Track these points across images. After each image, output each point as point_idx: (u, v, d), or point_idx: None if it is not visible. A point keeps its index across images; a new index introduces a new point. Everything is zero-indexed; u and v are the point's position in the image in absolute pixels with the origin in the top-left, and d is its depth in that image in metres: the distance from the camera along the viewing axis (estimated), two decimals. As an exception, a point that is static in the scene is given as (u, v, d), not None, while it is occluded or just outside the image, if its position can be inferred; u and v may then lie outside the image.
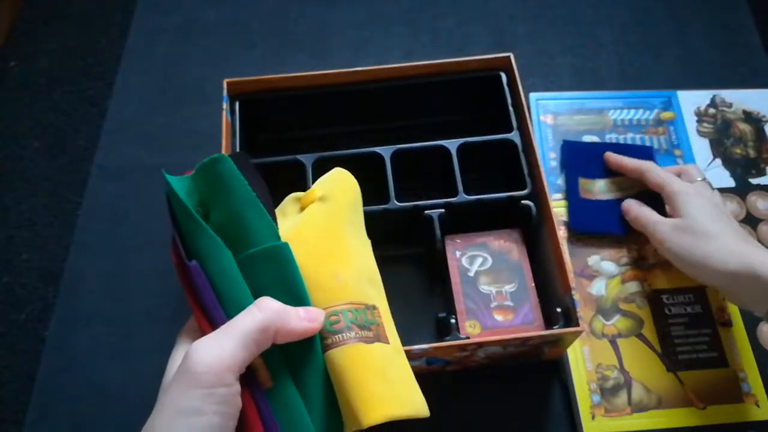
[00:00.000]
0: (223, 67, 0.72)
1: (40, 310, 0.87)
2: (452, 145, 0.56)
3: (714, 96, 0.68)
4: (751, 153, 0.65)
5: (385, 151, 0.56)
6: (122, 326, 0.58)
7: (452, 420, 0.53)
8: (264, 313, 0.35)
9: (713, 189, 0.56)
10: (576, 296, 0.48)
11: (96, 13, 1.18)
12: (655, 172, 0.57)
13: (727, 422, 0.52)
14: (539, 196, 0.53)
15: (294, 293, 0.38)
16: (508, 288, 0.53)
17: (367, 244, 0.44)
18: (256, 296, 0.37)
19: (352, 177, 0.46)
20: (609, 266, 0.58)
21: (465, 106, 0.63)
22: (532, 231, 0.55)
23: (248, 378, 0.35)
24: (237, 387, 0.33)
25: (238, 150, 0.56)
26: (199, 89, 0.70)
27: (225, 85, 0.58)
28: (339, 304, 0.38)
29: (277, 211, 0.44)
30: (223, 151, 0.56)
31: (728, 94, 0.68)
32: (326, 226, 0.42)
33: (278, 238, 0.39)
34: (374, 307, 0.40)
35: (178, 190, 0.40)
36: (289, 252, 0.39)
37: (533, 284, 0.54)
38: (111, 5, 1.18)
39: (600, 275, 0.58)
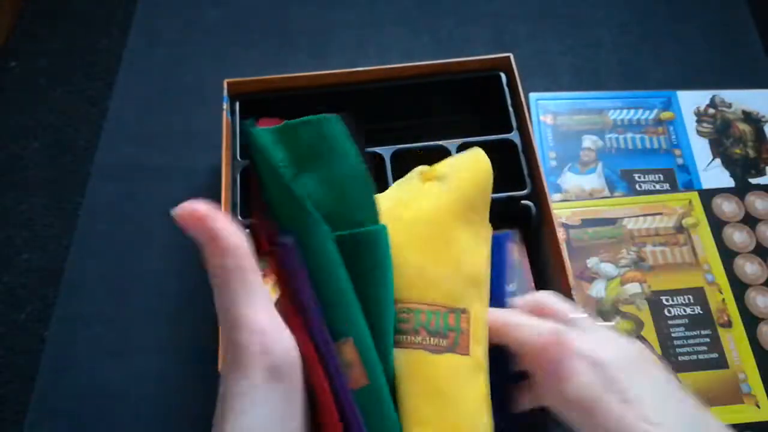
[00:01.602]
0: (223, 67, 0.72)
1: (40, 309, 0.87)
2: (452, 145, 0.56)
3: (714, 96, 0.68)
4: (751, 153, 0.65)
5: (385, 151, 0.56)
6: (122, 326, 0.58)
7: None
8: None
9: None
10: (575, 298, 0.48)
11: (96, 13, 1.18)
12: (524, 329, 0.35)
13: (727, 423, 0.52)
14: (539, 196, 0.53)
15: (384, 284, 0.33)
16: (508, 288, 0.53)
17: (481, 238, 0.37)
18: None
19: (487, 160, 0.38)
20: (608, 268, 0.58)
21: (465, 106, 0.63)
22: (532, 231, 0.55)
23: (336, 374, 0.30)
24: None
25: (238, 150, 0.56)
26: (199, 89, 0.70)
27: (225, 85, 0.58)
28: (415, 302, 0.33)
29: (400, 181, 0.39)
30: (223, 151, 0.56)
31: (728, 94, 0.68)
32: (432, 212, 0.36)
33: (377, 220, 0.34)
34: (463, 311, 0.34)
35: (267, 146, 0.33)
36: (387, 238, 0.33)
37: (533, 284, 0.54)
38: (111, 5, 1.18)
39: (599, 277, 0.58)
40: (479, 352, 0.34)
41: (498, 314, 0.35)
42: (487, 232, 0.38)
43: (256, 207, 0.33)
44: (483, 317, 0.35)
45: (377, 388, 0.31)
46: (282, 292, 0.32)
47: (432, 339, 0.33)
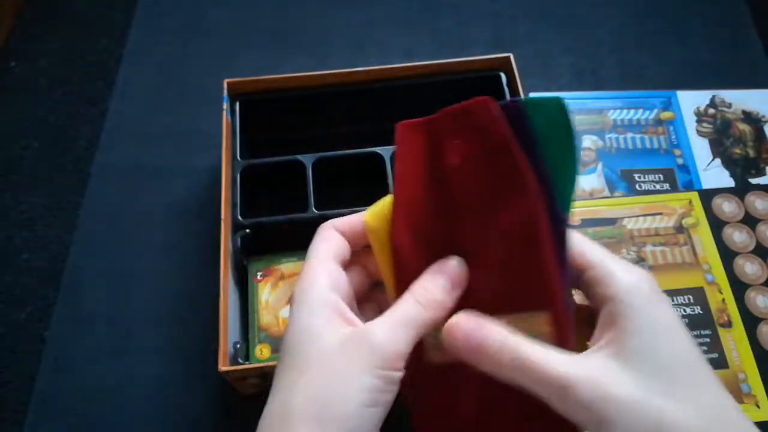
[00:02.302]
0: (223, 67, 0.72)
1: (41, 309, 0.87)
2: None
3: (713, 96, 0.68)
4: (751, 153, 0.65)
5: (385, 152, 0.56)
6: (122, 326, 0.58)
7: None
8: None
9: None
10: (576, 298, 0.48)
11: (96, 13, 1.18)
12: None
13: (726, 422, 0.52)
14: (539, 196, 0.53)
15: None
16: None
17: None
18: None
19: None
20: (609, 266, 0.58)
21: (465, 106, 0.63)
22: (532, 231, 0.55)
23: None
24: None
25: (238, 150, 0.56)
26: (199, 89, 0.70)
27: (225, 85, 0.58)
28: None
29: None
30: (223, 151, 0.56)
31: (728, 95, 0.68)
32: None
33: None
34: None
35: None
36: None
37: (533, 284, 0.54)
38: (111, 5, 1.18)
39: (600, 275, 0.58)
40: None
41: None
42: None
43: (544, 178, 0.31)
44: None
45: None
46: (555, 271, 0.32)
47: None
